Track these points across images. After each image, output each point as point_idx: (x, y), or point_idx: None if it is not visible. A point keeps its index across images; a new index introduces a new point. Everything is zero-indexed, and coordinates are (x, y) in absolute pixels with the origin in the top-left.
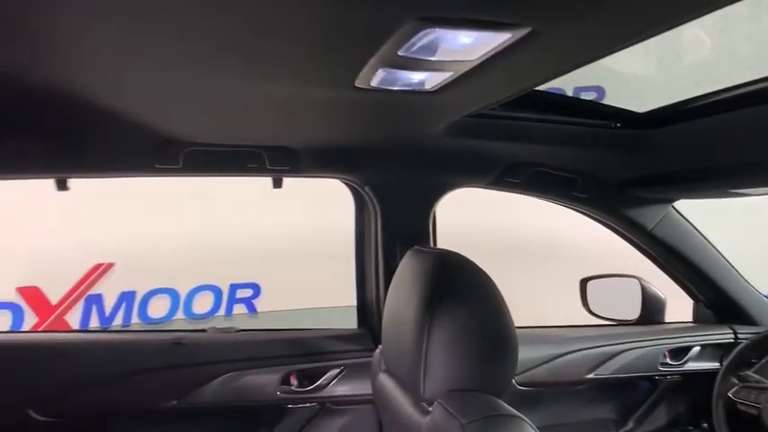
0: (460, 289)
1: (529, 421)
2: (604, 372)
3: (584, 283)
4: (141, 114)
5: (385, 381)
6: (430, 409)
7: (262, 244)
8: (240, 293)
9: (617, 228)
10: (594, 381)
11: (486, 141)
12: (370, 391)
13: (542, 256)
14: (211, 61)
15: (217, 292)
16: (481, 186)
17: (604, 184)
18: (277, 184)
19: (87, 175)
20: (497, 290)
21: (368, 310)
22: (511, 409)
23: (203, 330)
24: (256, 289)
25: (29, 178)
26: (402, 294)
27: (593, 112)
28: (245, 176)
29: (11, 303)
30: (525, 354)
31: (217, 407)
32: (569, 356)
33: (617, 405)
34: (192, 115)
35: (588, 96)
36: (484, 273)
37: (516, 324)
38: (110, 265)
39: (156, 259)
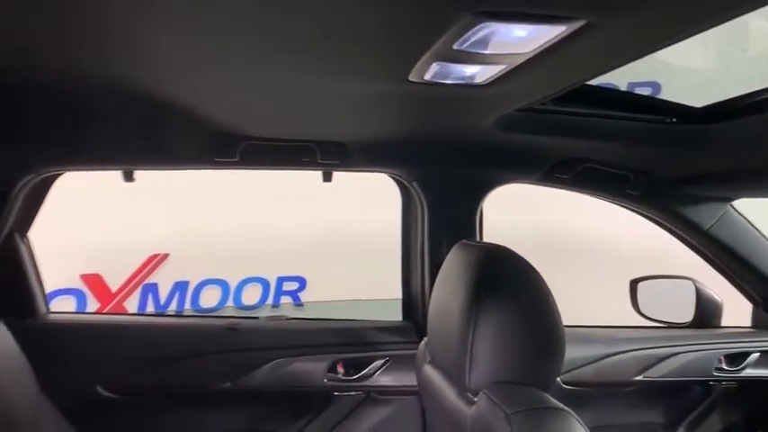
0: (508, 282)
1: (576, 415)
2: (654, 374)
3: (634, 284)
4: (203, 110)
5: (430, 372)
6: (475, 399)
7: (309, 239)
8: (287, 286)
9: (671, 227)
10: (643, 383)
11: (536, 136)
12: (415, 383)
13: (582, 256)
14: (270, 57)
15: (265, 284)
16: (529, 182)
17: (658, 181)
18: (327, 177)
19: (152, 168)
20: (545, 285)
21: (413, 303)
22: (557, 402)
23: (256, 318)
24: (302, 282)
25: (100, 170)
26: (449, 287)
27: (648, 106)
28: (297, 170)
29: (75, 289)
30: (571, 353)
31: (267, 391)
32: (617, 357)
33: (666, 409)
34: (250, 111)
35: (643, 92)
36: (532, 267)
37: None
38: (165, 256)
39: (208, 251)
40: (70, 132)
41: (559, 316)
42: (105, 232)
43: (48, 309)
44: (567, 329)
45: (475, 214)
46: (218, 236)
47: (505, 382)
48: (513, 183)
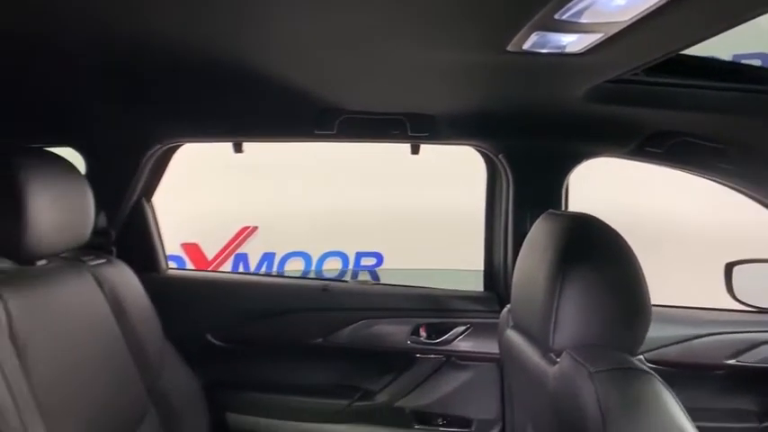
0: (595, 248)
1: (662, 380)
2: (749, 359)
3: (729, 267)
4: (306, 85)
5: (512, 336)
6: (557, 360)
7: (388, 218)
8: (365, 261)
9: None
10: (734, 368)
11: (628, 108)
12: (494, 351)
13: (658, 240)
14: (374, 31)
15: (344, 258)
16: (619, 156)
17: (758, 155)
18: (414, 150)
19: (260, 140)
20: (633, 253)
21: (495, 274)
22: (642, 365)
23: (345, 281)
24: (380, 259)
25: (214, 141)
26: (535, 254)
27: (748, 75)
28: (388, 142)
29: (176, 256)
30: (655, 332)
31: (354, 348)
32: (705, 339)
33: (761, 397)
34: (349, 85)
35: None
36: (620, 235)
37: None
38: (254, 229)
39: (294, 225)
40: (190, 107)
41: (646, 284)
42: (204, 206)
43: (167, 265)
44: (652, 308)
45: (561, 188)
46: (303, 212)
47: (590, 345)
48: (602, 156)
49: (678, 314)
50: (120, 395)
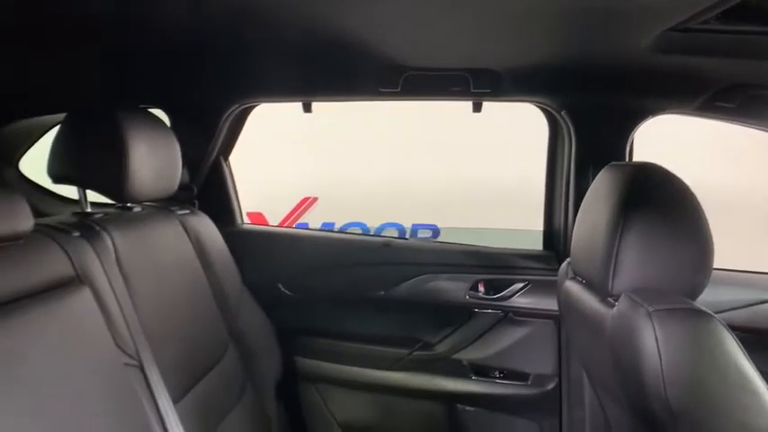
0: (658, 194)
1: (724, 323)
2: None
3: None
4: (372, 42)
5: (572, 286)
6: (616, 303)
7: (444, 192)
8: (421, 233)
9: None
10: None
11: (698, 58)
12: (552, 308)
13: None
14: None
15: (401, 229)
16: (687, 112)
17: None
18: (476, 108)
19: (327, 99)
20: (696, 201)
21: (554, 234)
22: (703, 307)
23: (406, 239)
24: (436, 231)
25: (286, 101)
26: (597, 204)
27: None
28: (451, 100)
29: None
30: (723, 295)
31: (414, 302)
32: None
33: None
34: (412, 40)
35: None
36: (684, 183)
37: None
38: (314, 199)
39: (352, 197)
40: (263, 69)
41: (709, 231)
42: (267, 177)
43: (243, 220)
44: (718, 272)
45: (625, 145)
46: (362, 184)
47: (648, 288)
48: (669, 112)
49: (749, 279)
50: (205, 330)
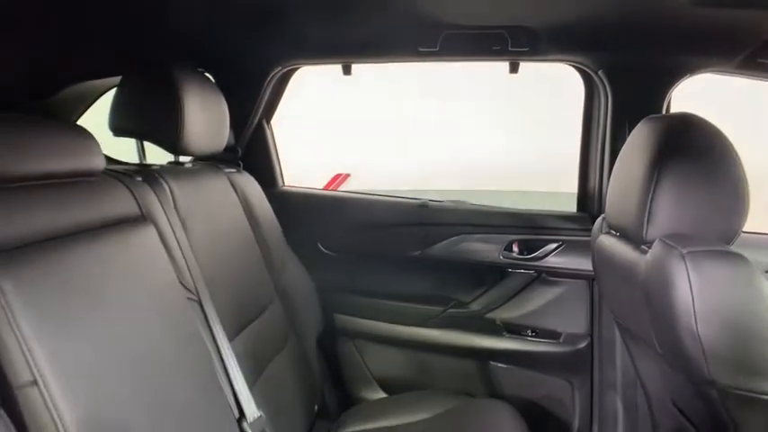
0: (695, 142)
1: (758, 269)
2: None
3: None
4: (409, 1)
5: (605, 239)
6: (650, 249)
7: (470, 169)
8: None
9: None
10: None
11: (736, 12)
12: (585, 268)
13: None
14: None
15: None
16: (726, 70)
17: None
18: (513, 68)
19: (367, 61)
20: (733, 148)
21: (588, 195)
22: (741, 255)
23: (442, 201)
24: None
25: (327, 63)
26: (633, 156)
27: None
28: (488, 60)
29: None
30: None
31: (449, 261)
32: None
33: None
34: None
35: None
36: (721, 132)
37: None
38: (347, 176)
39: (382, 174)
40: (305, 31)
41: (745, 178)
42: (305, 154)
43: (284, 182)
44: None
45: (662, 105)
46: (388, 160)
47: (682, 234)
48: (708, 70)
49: None
50: (253, 279)
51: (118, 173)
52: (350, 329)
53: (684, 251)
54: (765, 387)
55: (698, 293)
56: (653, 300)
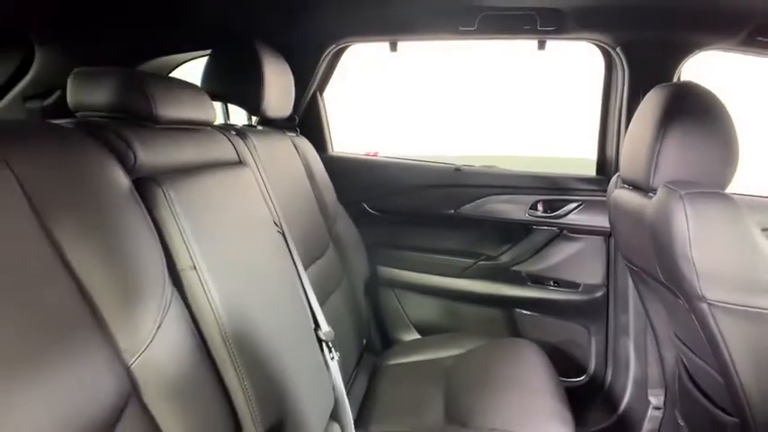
0: (695, 104)
1: (748, 210)
2: None
3: None
4: None
5: (620, 192)
6: (655, 195)
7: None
8: None
9: None
10: None
11: None
12: (602, 225)
13: None
14: None
15: None
16: (730, 47)
17: None
18: (541, 46)
19: (412, 38)
20: (726, 111)
21: (606, 160)
22: (730, 195)
23: (473, 165)
24: None
25: (375, 41)
26: (644, 117)
27: None
28: (520, 38)
29: None
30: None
31: (480, 219)
32: None
33: None
34: None
35: None
36: (717, 98)
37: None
38: (375, 154)
39: (406, 155)
40: (357, 11)
41: (735, 135)
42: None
43: (333, 148)
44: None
45: (672, 78)
46: (411, 140)
47: (683, 180)
48: (713, 47)
49: None
50: (315, 226)
51: (218, 126)
52: (391, 280)
53: (683, 192)
54: (745, 300)
55: (692, 225)
56: (657, 234)
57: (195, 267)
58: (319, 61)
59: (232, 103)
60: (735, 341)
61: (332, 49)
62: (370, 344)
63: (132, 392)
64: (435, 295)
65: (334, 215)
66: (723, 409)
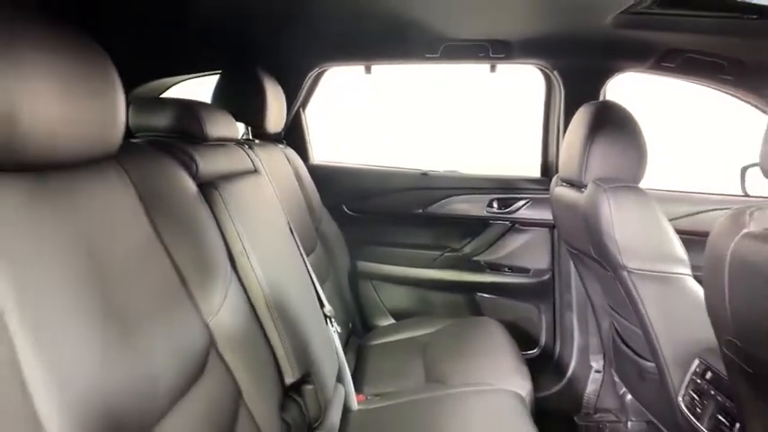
0: (613, 118)
1: (655, 200)
2: None
3: (744, 170)
4: (420, 19)
5: (559, 189)
6: (586, 189)
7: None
8: None
9: (762, 107)
10: None
11: (646, 32)
12: (547, 218)
13: None
14: None
15: None
16: (641, 70)
17: (748, 67)
18: (492, 69)
19: (384, 62)
20: (637, 124)
21: (548, 164)
22: (641, 188)
23: (439, 171)
24: None
25: (353, 65)
26: (576, 129)
27: (739, 7)
28: (477, 63)
29: None
30: (671, 208)
31: (444, 216)
32: (710, 213)
33: None
34: (450, 17)
35: None
36: (630, 114)
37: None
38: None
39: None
40: (338, 38)
41: (645, 141)
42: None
43: (314, 157)
44: (668, 192)
45: (599, 95)
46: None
47: (606, 177)
48: (629, 71)
49: (690, 196)
50: (305, 225)
51: (235, 142)
52: (369, 273)
53: (607, 187)
54: (654, 266)
55: (614, 212)
56: (588, 219)
57: (246, 253)
58: (303, 82)
59: (239, 120)
60: (648, 299)
61: (314, 71)
62: (354, 328)
63: (211, 343)
64: (407, 284)
65: (320, 216)
66: (644, 357)
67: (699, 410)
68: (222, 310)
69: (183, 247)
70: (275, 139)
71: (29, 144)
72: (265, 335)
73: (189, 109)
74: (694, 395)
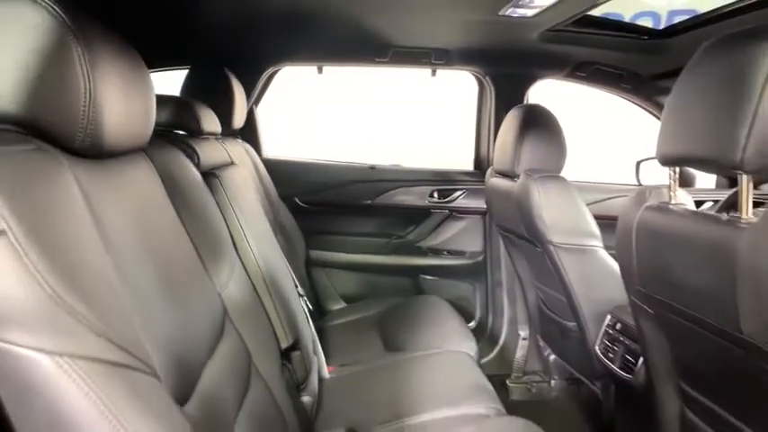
0: (538, 118)
1: (574, 187)
2: None
3: (638, 164)
4: (371, 26)
5: (494, 179)
6: (518, 179)
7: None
8: None
9: (653, 112)
10: None
11: (562, 46)
12: (481, 207)
13: None
14: None
15: None
16: (559, 78)
17: (642, 78)
18: (433, 73)
19: (337, 64)
20: (558, 123)
21: (481, 159)
22: (563, 177)
23: (385, 165)
24: None
25: (306, 65)
26: (508, 129)
27: (629, 28)
28: (420, 68)
29: None
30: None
31: (391, 207)
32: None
33: None
34: (399, 26)
35: (646, 20)
36: (552, 115)
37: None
38: None
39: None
40: (292, 39)
41: (564, 139)
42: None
43: (265, 151)
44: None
45: (524, 99)
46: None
47: (535, 169)
48: (549, 78)
49: (599, 186)
50: (267, 217)
51: (213, 135)
52: (321, 261)
53: (536, 176)
54: (574, 240)
55: (542, 197)
56: (521, 204)
57: (244, 234)
58: (258, 81)
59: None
60: (570, 267)
61: (269, 71)
62: (312, 314)
63: (225, 312)
64: (357, 270)
65: (278, 207)
66: (566, 319)
67: (611, 355)
68: (230, 284)
69: (197, 229)
70: (232, 134)
71: (106, 136)
72: (263, 306)
73: (186, 105)
74: (608, 343)
